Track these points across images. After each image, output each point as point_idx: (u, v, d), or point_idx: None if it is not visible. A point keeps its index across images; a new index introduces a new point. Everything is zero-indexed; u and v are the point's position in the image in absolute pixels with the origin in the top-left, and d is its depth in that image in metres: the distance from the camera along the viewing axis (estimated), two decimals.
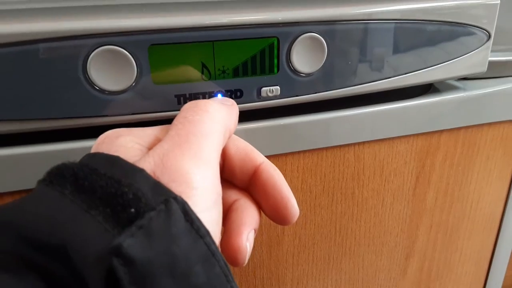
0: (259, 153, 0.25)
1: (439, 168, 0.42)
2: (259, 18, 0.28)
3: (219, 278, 0.17)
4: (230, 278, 0.17)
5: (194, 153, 0.19)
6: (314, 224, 0.39)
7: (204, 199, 0.18)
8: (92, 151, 0.21)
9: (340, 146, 0.36)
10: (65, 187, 0.17)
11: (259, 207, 0.25)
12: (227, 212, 0.24)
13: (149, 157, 0.19)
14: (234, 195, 0.25)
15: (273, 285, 0.40)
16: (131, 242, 0.15)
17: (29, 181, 0.28)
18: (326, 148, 0.36)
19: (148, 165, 0.18)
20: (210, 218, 0.19)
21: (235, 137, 0.26)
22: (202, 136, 0.20)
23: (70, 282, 0.15)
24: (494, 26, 0.37)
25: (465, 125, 0.41)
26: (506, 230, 0.49)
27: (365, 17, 0.31)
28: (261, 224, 0.26)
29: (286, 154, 0.34)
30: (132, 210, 0.16)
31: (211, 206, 0.19)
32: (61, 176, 0.18)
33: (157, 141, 0.21)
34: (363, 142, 0.37)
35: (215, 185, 0.20)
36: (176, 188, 0.18)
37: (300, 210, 0.38)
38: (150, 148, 0.21)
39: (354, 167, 0.38)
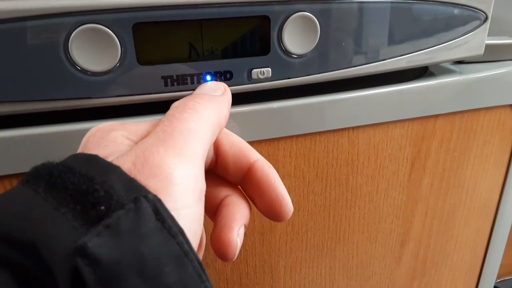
0: (253, 150, 0.26)
1: (435, 154, 0.41)
2: None
3: (192, 277, 0.17)
4: (204, 278, 0.17)
5: (178, 149, 0.19)
6: (307, 211, 0.38)
7: (186, 195, 0.18)
8: (82, 143, 0.21)
9: (334, 130, 0.35)
10: (39, 185, 0.17)
11: (253, 203, 0.26)
12: (218, 207, 0.25)
13: (131, 151, 0.19)
14: (225, 191, 0.26)
15: (265, 273, 0.39)
16: (97, 242, 0.15)
17: (6, 166, 0.27)
18: (320, 133, 0.35)
19: (129, 158, 0.18)
20: (192, 216, 0.19)
21: (229, 132, 0.26)
22: (189, 133, 0.20)
23: (42, 279, 0.15)
24: (492, 7, 0.36)
25: (461, 109, 0.40)
26: (503, 217, 0.49)
27: None
28: (253, 211, 0.26)
29: (278, 139, 0.34)
30: (102, 207, 0.16)
31: (193, 203, 0.19)
32: (37, 175, 0.18)
33: None
34: (358, 127, 0.36)
35: (198, 182, 0.20)
36: (157, 183, 0.18)
37: (293, 196, 0.37)
38: None
39: (348, 152, 0.37)
